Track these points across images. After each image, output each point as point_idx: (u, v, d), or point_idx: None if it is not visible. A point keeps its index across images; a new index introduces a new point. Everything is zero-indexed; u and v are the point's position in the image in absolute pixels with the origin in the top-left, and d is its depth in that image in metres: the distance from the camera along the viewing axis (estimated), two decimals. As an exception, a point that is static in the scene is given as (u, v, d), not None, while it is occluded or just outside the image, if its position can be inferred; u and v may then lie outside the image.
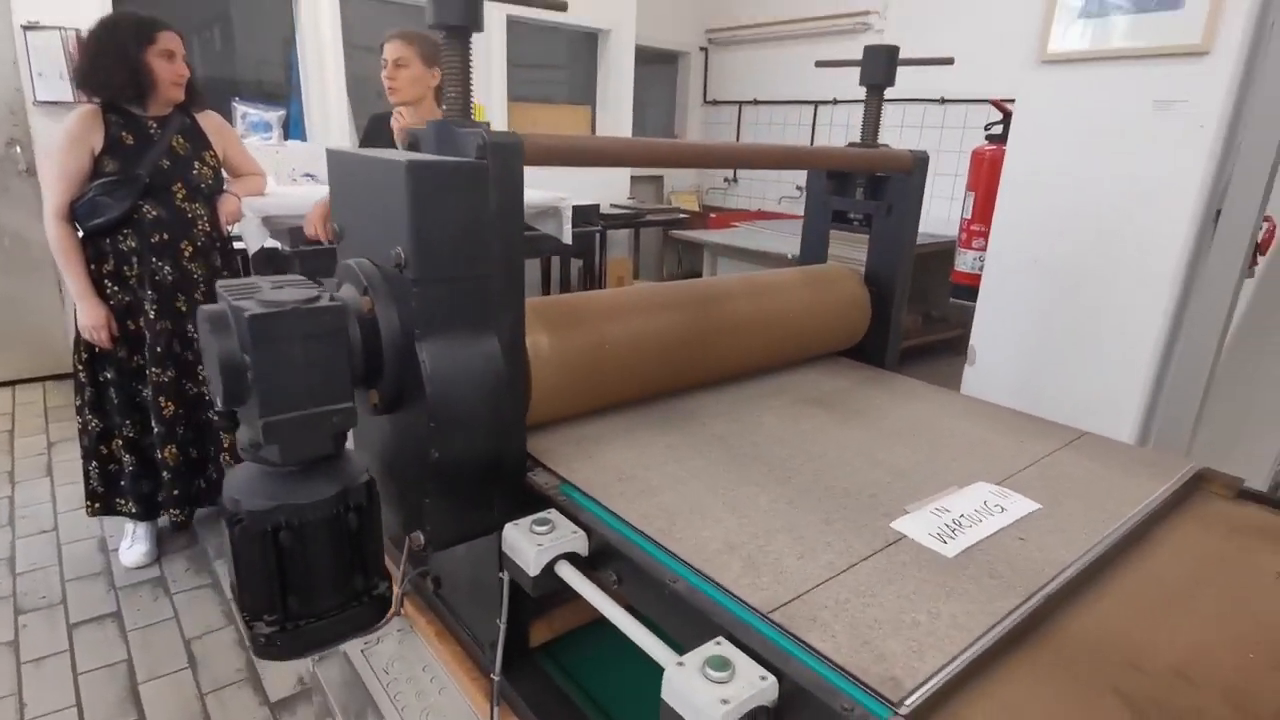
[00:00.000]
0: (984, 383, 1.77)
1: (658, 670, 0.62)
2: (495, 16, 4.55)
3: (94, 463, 2.14)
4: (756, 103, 6.16)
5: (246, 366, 0.73)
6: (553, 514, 0.85)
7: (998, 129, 2.55)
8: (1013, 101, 1.76)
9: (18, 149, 3.58)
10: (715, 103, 6.54)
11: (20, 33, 3.39)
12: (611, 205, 5.30)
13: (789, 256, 3.38)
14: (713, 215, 6.27)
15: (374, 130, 2.47)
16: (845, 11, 5.20)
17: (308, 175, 4.11)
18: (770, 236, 3.89)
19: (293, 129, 4.25)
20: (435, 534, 0.88)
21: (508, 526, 0.83)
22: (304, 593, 0.81)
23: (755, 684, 0.59)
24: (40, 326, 3.78)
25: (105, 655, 1.88)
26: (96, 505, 2.19)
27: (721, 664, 0.60)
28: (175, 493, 2.15)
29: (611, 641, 1.09)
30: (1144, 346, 1.53)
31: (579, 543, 0.81)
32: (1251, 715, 0.64)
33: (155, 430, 2.09)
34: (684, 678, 0.60)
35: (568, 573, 0.79)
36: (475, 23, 0.86)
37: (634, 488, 0.90)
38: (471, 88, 0.90)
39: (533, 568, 0.79)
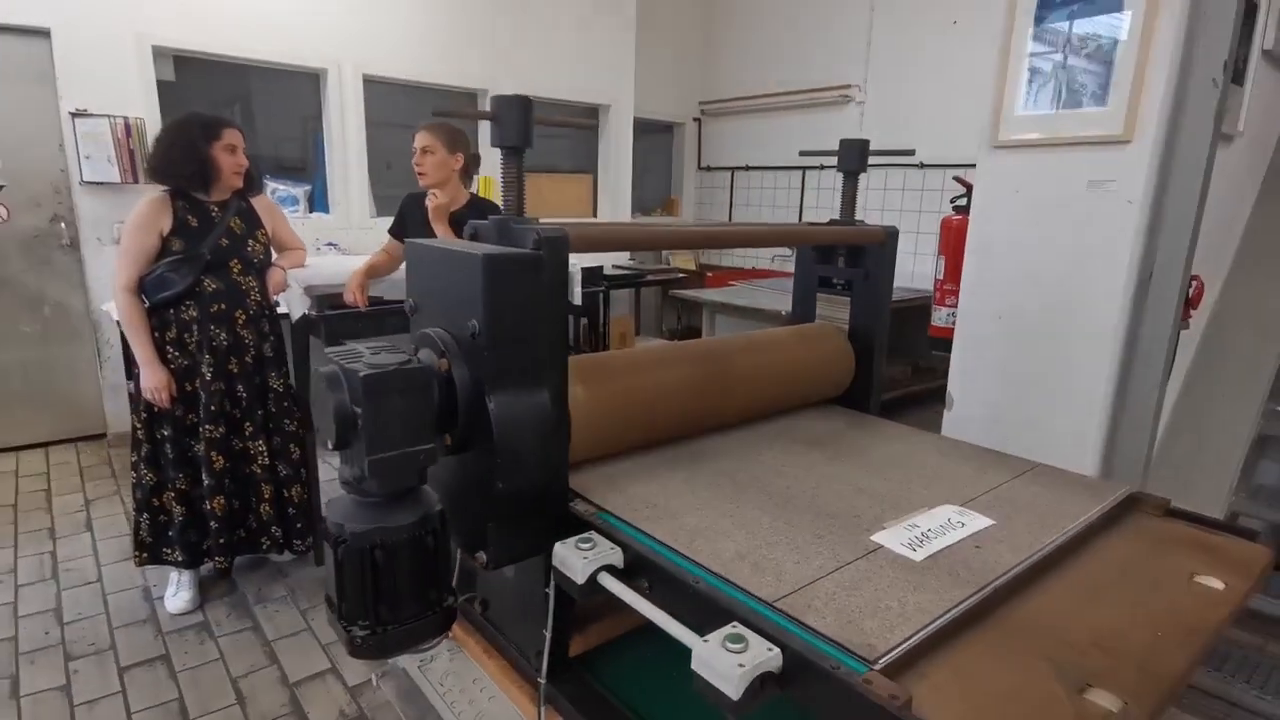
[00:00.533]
0: (961, 426, 1.96)
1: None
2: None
3: (145, 515, 2.30)
4: (748, 168, 6.51)
5: (356, 416, 0.92)
6: (593, 535, 1.02)
7: (962, 201, 2.81)
8: (973, 167, 2.01)
9: (61, 225, 3.83)
10: (709, 169, 6.90)
11: (68, 118, 3.69)
12: (614, 266, 5.58)
13: (782, 313, 3.60)
14: (709, 274, 6.56)
15: (409, 207, 2.74)
16: (828, 85, 5.59)
17: (330, 244, 4.38)
18: (764, 294, 4.11)
19: (316, 202, 4.54)
20: (495, 553, 1.06)
21: (557, 545, 1.00)
22: (392, 602, 0.98)
23: (764, 654, 0.76)
24: (75, 390, 3.97)
25: (157, 695, 2.00)
26: (144, 555, 2.34)
27: (737, 639, 0.78)
28: (221, 541, 2.31)
29: (637, 652, 1.26)
30: (1098, 392, 1.73)
31: (616, 557, 0.98)
32: (1155, 676, 0.81)
33: (205, 483, 2.26)
34: (709, 650, 0.77)
35: (609, 581, 0.96)
36: (527, 142, 1.09)
37: (659, 513, 1.08)
38: (524, 191, 1.12)
39: (580, 577, 0.96)
